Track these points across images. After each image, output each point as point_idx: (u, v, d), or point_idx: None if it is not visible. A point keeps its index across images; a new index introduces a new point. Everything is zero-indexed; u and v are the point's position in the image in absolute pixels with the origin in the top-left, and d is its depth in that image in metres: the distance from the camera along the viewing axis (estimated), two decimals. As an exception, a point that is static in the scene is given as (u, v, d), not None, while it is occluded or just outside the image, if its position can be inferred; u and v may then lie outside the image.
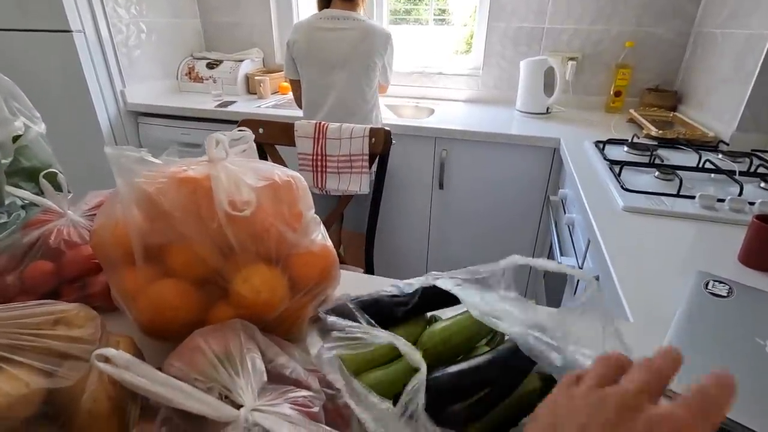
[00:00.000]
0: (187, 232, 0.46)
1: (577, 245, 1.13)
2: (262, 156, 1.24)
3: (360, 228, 1.38)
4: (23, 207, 0.72)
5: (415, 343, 0.51)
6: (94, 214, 0.65)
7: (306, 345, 0.49)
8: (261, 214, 0.47)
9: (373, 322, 0.48)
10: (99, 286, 0.58)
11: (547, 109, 1.79)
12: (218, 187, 0.47)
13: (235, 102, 1.93)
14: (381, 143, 1.11)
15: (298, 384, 0.37)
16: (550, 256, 1.39)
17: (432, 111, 1.91)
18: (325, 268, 0.52)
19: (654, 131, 1.43)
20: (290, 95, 2.15)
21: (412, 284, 0.53)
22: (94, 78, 1.77)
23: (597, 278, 0.87)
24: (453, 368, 0.40)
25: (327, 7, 1.46)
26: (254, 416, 0.35)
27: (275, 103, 1.97)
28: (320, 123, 1.18)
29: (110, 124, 1.86)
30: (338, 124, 1.17)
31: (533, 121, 1.74)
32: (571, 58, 1.88)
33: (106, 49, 1.78)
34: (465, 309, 0.53)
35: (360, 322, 0.47)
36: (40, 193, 0.64)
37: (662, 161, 1.21)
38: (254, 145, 0.57)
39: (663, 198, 0.96)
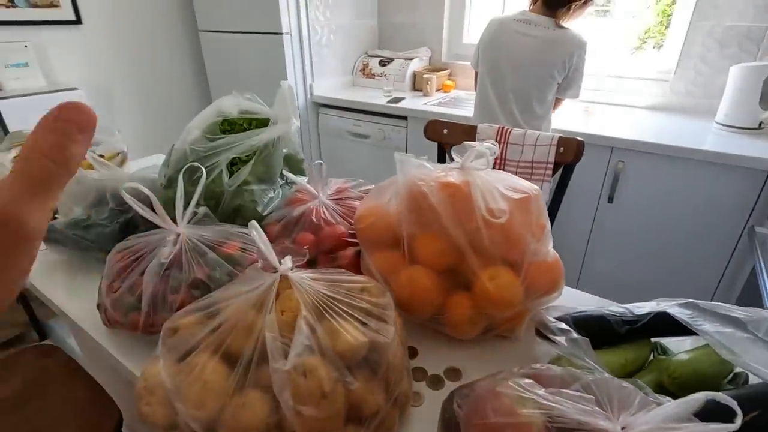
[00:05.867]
0: (448, 227, 0.54)
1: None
2: (442, 156, 1.32)
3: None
4: (281, 186, 0.91)
5: (642, 366, 0.52)
6: (336, 198, 0.79)
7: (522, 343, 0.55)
8: (513, 222, 0.53)
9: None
10: (346, 259, 0.70)
11: (760, 124, 1.53)
12: (477, 194, 0.53)
13: (404, 99, 2.07)
14: (572, 153, 1.09)
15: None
16: (754, 302, 1.19)
17: (604, 116, 1.77)
18: (556, 278, 0.56)
19: None
20: (453, 93, 2.22)
21: (642, 307, 0.54)
22: (293, 73, 2.07)
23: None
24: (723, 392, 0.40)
25: (534, 6, 1.38)
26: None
27: (440, 101, 2.05)
28: (503, 127, 1.21)
29: (298, 113, 2.17)
30: (522, 129, 1.18)
31: (738, 137, 1.50)
32: (802, 64, 1.56)
33: (304, 48, 2.07)
34: (699, 342, 0.52)
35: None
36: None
37: None
38: (492, 159, 0.63)
39: None
